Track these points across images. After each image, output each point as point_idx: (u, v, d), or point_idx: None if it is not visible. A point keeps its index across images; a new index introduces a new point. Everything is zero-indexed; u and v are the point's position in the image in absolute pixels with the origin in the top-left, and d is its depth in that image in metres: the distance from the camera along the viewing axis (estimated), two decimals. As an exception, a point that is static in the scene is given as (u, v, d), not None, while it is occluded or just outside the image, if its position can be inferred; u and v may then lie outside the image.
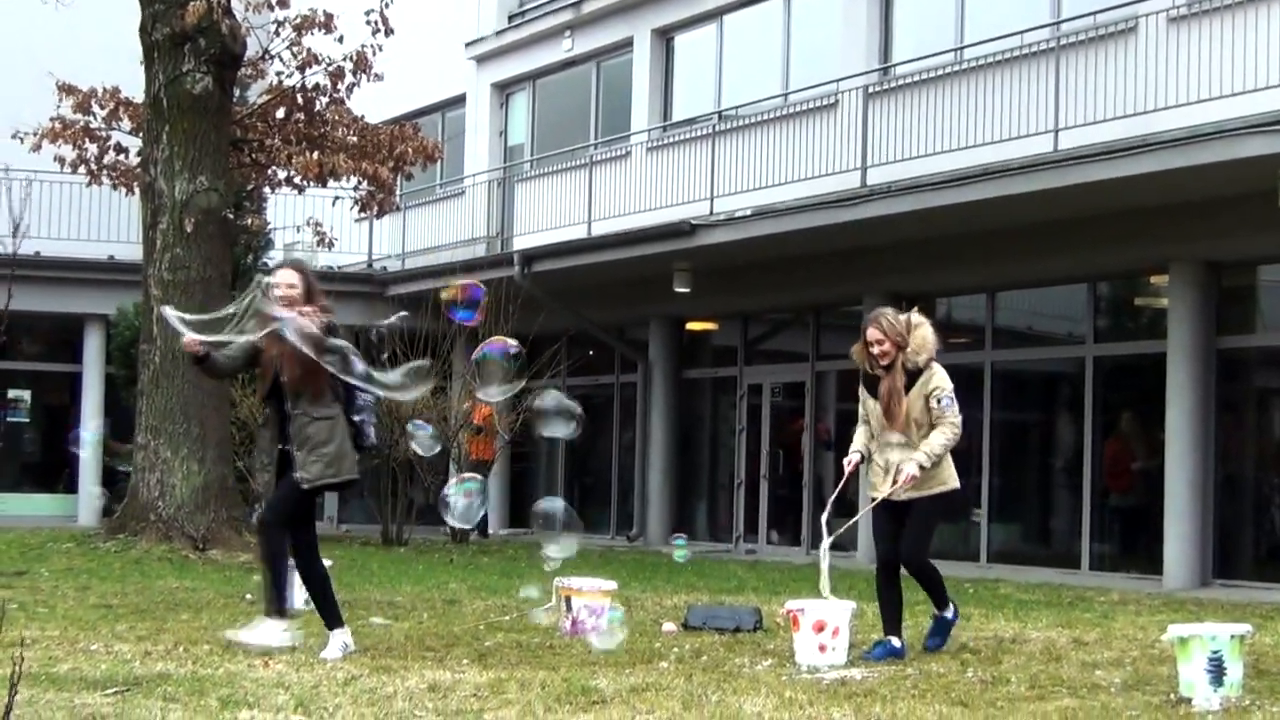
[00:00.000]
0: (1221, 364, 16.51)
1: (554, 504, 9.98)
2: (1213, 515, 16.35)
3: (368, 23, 20.80)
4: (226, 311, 8.74)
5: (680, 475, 23.61)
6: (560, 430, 9.58)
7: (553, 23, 25.65)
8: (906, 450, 8.99)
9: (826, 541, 9.06)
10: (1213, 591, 15.31)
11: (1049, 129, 16.16)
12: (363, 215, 23.35)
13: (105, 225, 25.25)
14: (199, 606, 11.51)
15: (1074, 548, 17.85)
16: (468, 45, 27.41)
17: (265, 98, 22.02)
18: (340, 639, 8.76)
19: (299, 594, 9.79)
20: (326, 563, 9.56)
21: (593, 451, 25.51)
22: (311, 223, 22.35)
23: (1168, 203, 15.78)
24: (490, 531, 24.43)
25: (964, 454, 17.18)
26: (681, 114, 23.37)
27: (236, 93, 20.52)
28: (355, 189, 22.22)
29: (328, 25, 20.94)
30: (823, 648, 8.68)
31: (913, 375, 9.02)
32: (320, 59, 21.12)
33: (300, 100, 21.49)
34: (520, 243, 24.33)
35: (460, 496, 9.51)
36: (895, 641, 9.05)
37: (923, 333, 9.07)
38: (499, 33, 26.95)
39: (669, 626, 10.46)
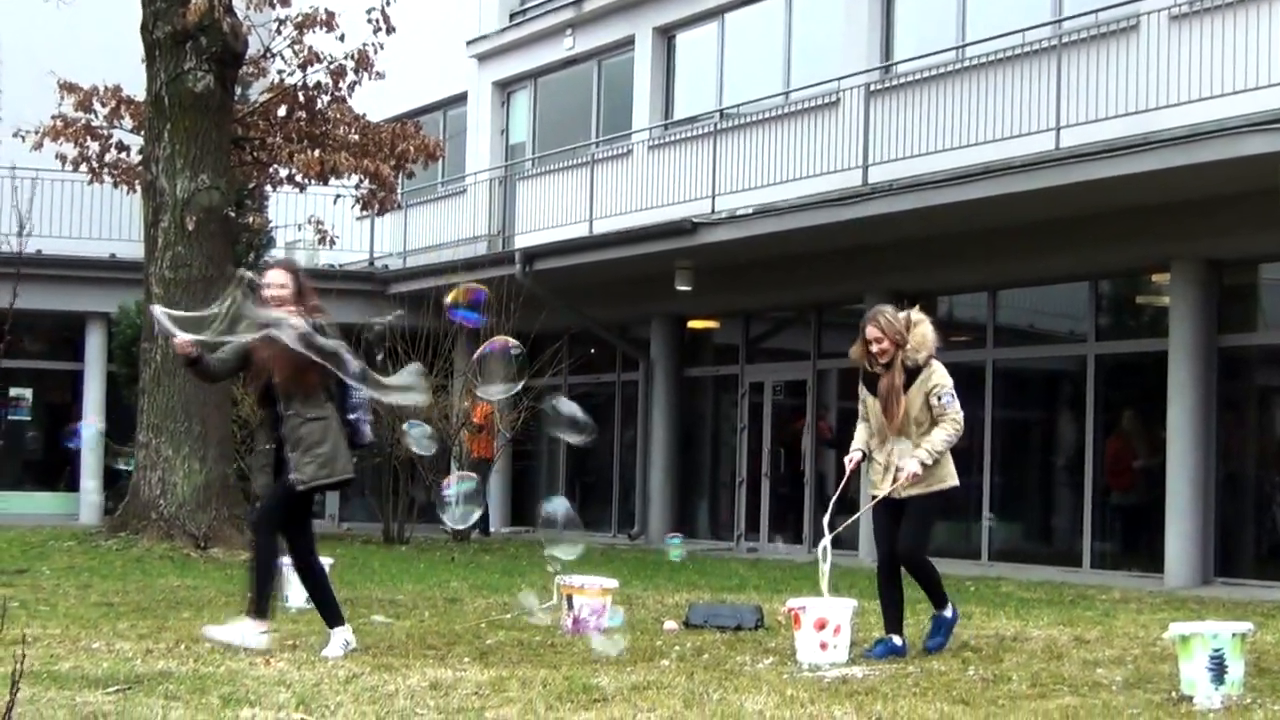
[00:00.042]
0: (1223, 362, 16.51)
1: (560, 506, 9.94)
2: (1214, 513, 16.35)
3: (369, 21, 20.81)
4: (212, 310, 8.73)
5: (682, 473, 23.61)
6: (571, 437, 9.62)
7: (554, 21, 25.64)
8: (907, 447, 8.99)
9: (825, 540, 9.05)
10: (1214, 590, 15.30)
11: (1050, 127, 16.15)
12: (364, 213, 23.36)
13: (107, 223, 25.24)
14: (200, 605, 11.52)
15: (1075, 546, 17.85)
16: (469, 43, 27.41)
17: (267, 96, 22.03)
18: (341, 636, 8.76)
19: (300, 593, 9.79)
20: (328, 561, 9.59)
21: (594, 450, 25.51)
22: (313, 221, 22.37)
23: (1169, 201, 15.78)
24: (492, 530, 24.45)
25: (965, 452, 17.24)
26: (683, 112, 23.36)
27: (238, 91, 20.55)
28: (357, 187, 22.23)
29: (329, 23, 20.95)
30: (824, 646, 8.67)
31: (912, 373, 9.01)
32: (322, 57, 21.13)
33: (302, 98, 21.50)
34: (521, 241, 24.33)
35: (455, 496, 9.52)
36: (896, 640, 9.05)
37: (922, 330, 9.06)
38: (500, 31, 26.94)
39: (670, 625, 10.46)
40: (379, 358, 19.42)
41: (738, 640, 9.76)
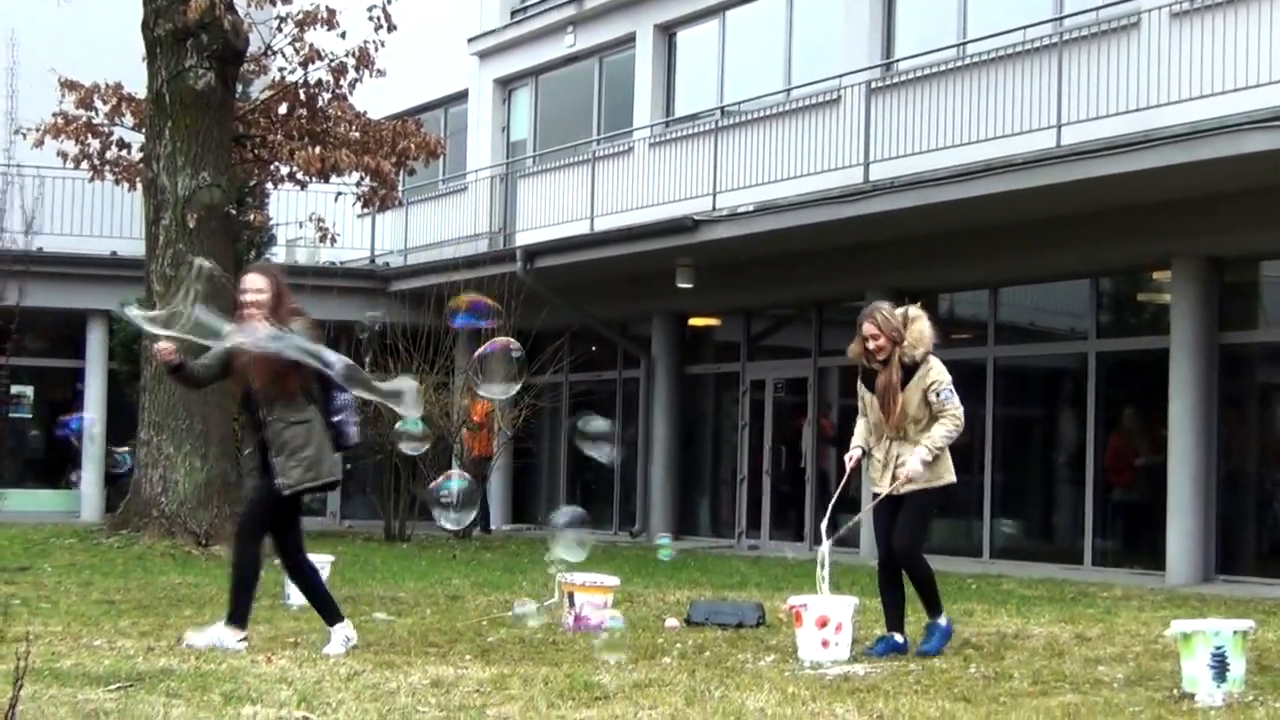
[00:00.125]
0: (1224, 359, 16.51)
1: (571, 513, 9.90)
2: (1215, 511, 16.35)
3: (370, 18, 20.80)
4: (175, 305, 8.70)
5: (683, 471, 23.62)
6: (597, 454, 9.65)
7: (555, 18, 25.63)
8: (906, 444, 8.98)
9: (824, 547, 9.03)
10: (1215, 587, 15.31)
11: (1052, 124, 16.15)
12: (365, 211, 23.35)
13: (108, 221, 25.24)
14: (202, 602, 11.52)
15: (1077, 543, 17.85)
16: (470, 41, 27.40)
17: (268, 93, 22.01)
18: (341, 633, 8.75)
19: (299, 595, 9.79)
20: (329, 558, 9.58)
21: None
22: (314, 218, 22.36)
23: (1170, 198, 15.78)
24: (493, 527, 24.46)
25: (966, 450, 17.27)
26: (684, 109, 23.36)
27: (239, 88, 20.52)
28: (358, 185, 22.23)
29: (330, 21, 20.93)
30: (825, 643, 8.67)
31: (909, 370, 9.00)
32: (323, 55, 21.12)
33: (303, 96, 21.50)
34: (522, 238, 24.33)
35: (447, 495, 9.52)
36: (898, 637, 9.04)
37: (919, 326, 9.05)
38: (501, 28, 26.94)
39: (672, 622, 10.46)
40: (366, 359, 19.47)
41: (739, 638, 9.76)
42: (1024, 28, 17.15)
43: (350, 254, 26.53)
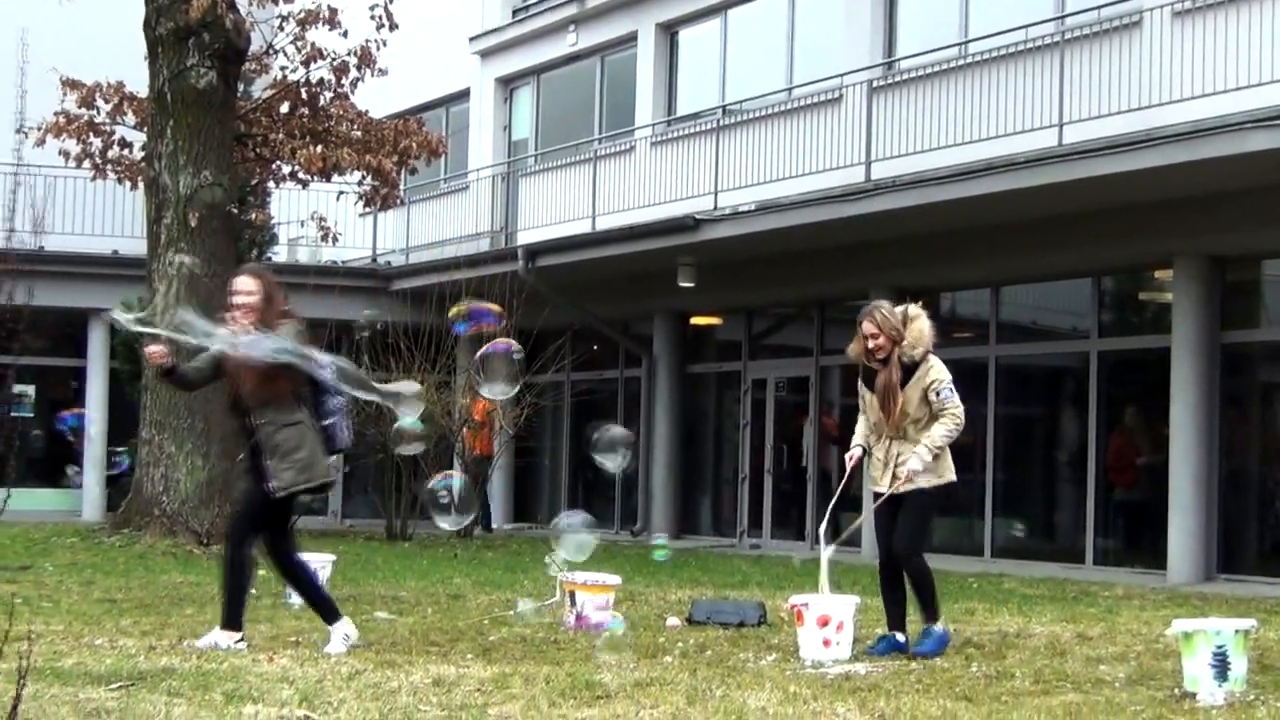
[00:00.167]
0: (1226, 359, 16.50)
1: (577, 518, 9.88)
2: (1217, 510, 16.34)
3: (372, 17, 20.80)
4: (157, 301, 8.74)
5: (684, 470, 23.62)
6: (611, 463, 9.66)
7: (557, 17, 25.63)
8: (907, 443, 8.97)
9: (829, 549, 9.02)
10: (1217, 586, 15.31)
11: (1053, 123, 16.14)
12: (367, 210, 23.36)
13: (109, 220, 25.24)
14: (203, 601, 11.51)
15: (1078, 543, 17.85)
16: (472, 40, 27.40)
17: (269, 92, 22.03)
18: (341, 631, 8.74)
19: (298, 596, 9.79)
20: (330, 558, 9.58)
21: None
22: (315, 217, 22.37)
23: (1172, 197, 15.78)
24: (494, 526, 24.46)
25: (968, 449, 17.27)
26: (685, 108, 23.36)
27: (241, 87, 20.54)
28: (359, 184, 22.23)
29: (332, 20, 20.95)
30: (827, 642, 8.67)
31: (909, 369, 8.99)
32: (324, 54, 21.12)
33: (304, 95, 21.51)
34: (524, 237, 24.33)
35: (443, 494, 9.52)
36: (899, 636, 9.03)
37: (919, 325, 9.04)
38: (503, 27, 26.94)
39: (673, 621, 10.46)
40: (365, 358, 19.46)
41: (740, 637, 9.76)
42: (1025, 26, 17.15)
43: (352, 253, 26.54)
